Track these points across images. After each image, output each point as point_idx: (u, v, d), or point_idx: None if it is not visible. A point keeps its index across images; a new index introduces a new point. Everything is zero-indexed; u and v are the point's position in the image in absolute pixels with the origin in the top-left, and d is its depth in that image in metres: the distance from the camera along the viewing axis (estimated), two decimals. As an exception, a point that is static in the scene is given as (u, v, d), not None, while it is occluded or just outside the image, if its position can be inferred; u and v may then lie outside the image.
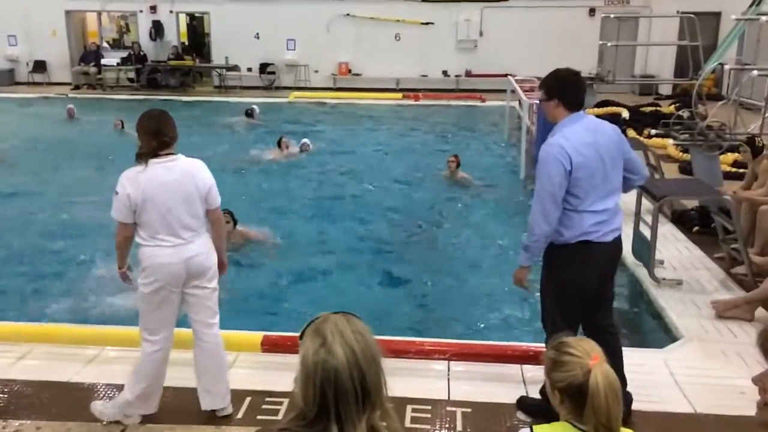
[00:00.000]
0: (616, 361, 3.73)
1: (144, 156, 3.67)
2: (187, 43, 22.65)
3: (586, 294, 3.72)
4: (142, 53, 20.47)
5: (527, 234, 3.66)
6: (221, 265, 3.95)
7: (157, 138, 3.68)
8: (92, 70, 20.23)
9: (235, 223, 6.93)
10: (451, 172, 9.93)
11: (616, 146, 3.65)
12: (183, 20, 22.36)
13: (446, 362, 4.50)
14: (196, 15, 22.84)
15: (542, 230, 3.57)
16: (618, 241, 3.73)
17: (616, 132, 3.74)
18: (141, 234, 3.70)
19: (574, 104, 3.66)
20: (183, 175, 3.69)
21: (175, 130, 3.77)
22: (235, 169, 10.56)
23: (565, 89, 3.66)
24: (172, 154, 3.73)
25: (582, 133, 3.59)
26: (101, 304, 5.90)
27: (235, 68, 19.98)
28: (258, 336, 4.67)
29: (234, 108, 15.97)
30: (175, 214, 3.65)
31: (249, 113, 14.55)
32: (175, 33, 21.20)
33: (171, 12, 20.86)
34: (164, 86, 19.90)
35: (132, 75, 20.36)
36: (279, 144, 11.54)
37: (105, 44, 22.02)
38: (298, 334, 1.68)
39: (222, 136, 13.23)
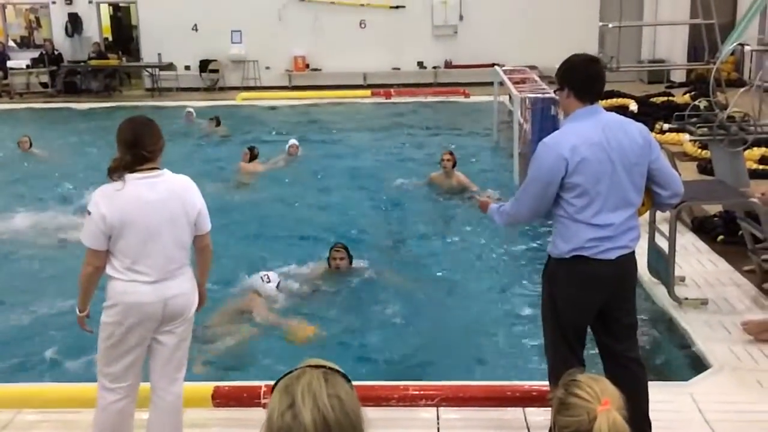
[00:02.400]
0: (640, 399, 3.80)
1: (115, 171, 3.64)
2: (111, 39, 22.52)
3: (588, 316, 3.81)
4: (56, 52, 20.31)
5: (509, 205, 3.96)
6: (200, 299, 3.95)
7: (132, 150, 3.65)
8: (-4, 74, 20.02)
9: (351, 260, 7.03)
10: (446, 173, 9.91)
11: (638, 150, 3.69)
12: (105, 12, 22.24)
13: (435, 409, 4.48)
14: (121, 5, 22.74)
15: (517, 220, 4.07)
16: (626, 260, 3.78)
17: (643, 134, 3.76)
18: (114, 264, 3.65)
19: (587, 95, 3.74)
20: (169, 195, 3.67)
21: (158, 142, 3.74)
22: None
23: (576, 77, 3.76)
24: (156, 168, 3.70)
25: (589, 131, 3.65)
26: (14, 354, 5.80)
27: (170, 67, 19.90)
28: (208, 388, 4.61)
29: (171, 113, 15.90)
30: (158, 241, 3.62)
31: (216, 123, 14.36)
32: (96, 27, 21.08)
33: (90, 2, 20.75)
34: (85, 91, 19.76)
35: (45, 79, 20.18)
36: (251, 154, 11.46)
37: (11, 43, 21.79)
38: (255, 384, 1.68)
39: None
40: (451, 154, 10.05)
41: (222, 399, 4.52)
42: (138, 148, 3.65)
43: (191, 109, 15.20)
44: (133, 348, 3.71)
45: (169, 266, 3.68)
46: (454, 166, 9.95)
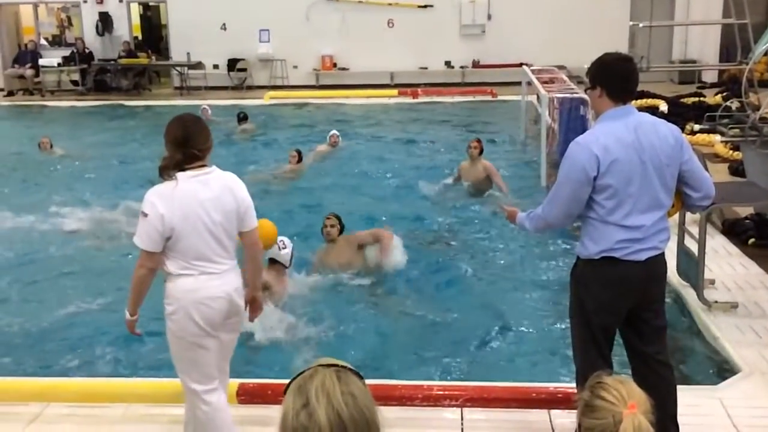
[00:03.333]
0: (668, 403, 3.77)
1: (167, 170, 3.65)
2: (140, 38, 22.76)
3: (616, 318, 3.79)
4: (87, 51, 20.56)
5: (540, 208, 3.88)
6: (255, 304, 3.99)
7: (183, 149, 3.66)
8: (29, 72, 20.31)
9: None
10: (472, 160, 10.01)
11: (669, 151, 3.66)
12: (135, 11, 22.50)
13: (459, 409, 4.48)
14: (151, 4, 22.98)
15: (549, 224, 3.89)
16: (655, 262, 3.75)
17: (674, 135, 3.72)
18: (176, 263, 3.66)
19: (620, 95, 3.71)
20: (222, 191, 3.70)
21: (208, 140, 3.76)
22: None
23: (609, 76, 3.73)
24: (205, 166, 3.73)
25: (621, 131, 3.62)
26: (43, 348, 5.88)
27: (199, 66, 20.08)
28: (233, 385, 4.64)
29: (222, 111, 16.06)
30: (216, 236, 3.66)
31: (242, 117, 14.58)
32: (127, 26, 21.32)
33: (121, 1, 21.00)
34: (115, 89, 20.00)
35: (76, 77, 20.43)
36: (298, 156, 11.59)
37: (43, 41, 22.11)
38: (281, 382, 1.68)
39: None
40: (478, 141, 10.17)
41: (247, 396, 4.56)
42: (188, 147, 3.65)
43: (206, 106, 15.32)
44: (211, 344, 3.73)
45: (227, 261, 3.72)
46: (480, 153, 10.01)
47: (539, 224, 3.93)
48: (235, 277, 3.78)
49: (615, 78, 3.71)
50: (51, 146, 12.81)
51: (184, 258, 3.64)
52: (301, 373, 1.67)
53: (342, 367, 1.69)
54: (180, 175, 3.64)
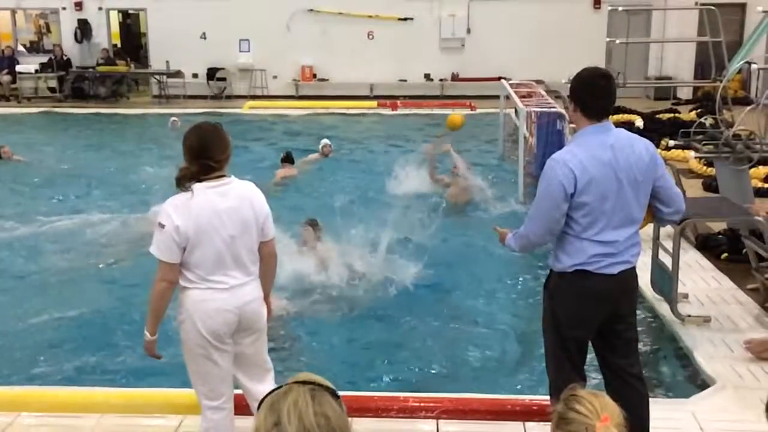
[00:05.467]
0: (641, 416, 3.80)
1: (183, 181, 3.58)
2: (119, 46, 22.61)
3: (588, 330, 3.81)
4: (65, 58, 20.41)
5: (522, 227, 3.90)
6: (267, 309, 3.95)
7: (199, 160, 3.59)
8: (5, 78, 20.11)
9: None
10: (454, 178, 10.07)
11: (644, 168, 3.67)
12: (115, 18, 22.35)
13: (435, 421, 4.47)
14: (131, 12, 22.84)
15: (531, 242, 3.87)
16: (627, 275, 3.77)
17: (650, 152, 3.74)
18: (187, 275, 3.61)
19: (594, 112, 3.70)
20: (240, 201, 3.63)
21: (226, 150, 3.66)
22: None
23: (583, 93, 3.72)
24: (224, 176, 3.66)
25: (598, 149, 3.63)
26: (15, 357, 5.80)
27: (178, 74, 20.00)
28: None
29: (194, 119, 15.98)
30: (232, 249, 3.60)
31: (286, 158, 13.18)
32: (106, 34, 21.19)
33: (100, 9, 20.88)
34: (93, 96, 19.84)
35: (54, 84, 20.26)
36: (285, 160, 11.60)
37: (21, 48, 21.92)
38: None
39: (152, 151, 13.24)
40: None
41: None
42: (204, 158, 3.58)
43: (176, 118, 15.28)
44: (219, 358, 3.69)
45: (243, 273, 3.66)
46: None
47: (523, 242, 3.91)
48: (251, 290, 3.70)
49: (590, 96, 3.70)
50: (11, 155, 12.58)
51: (196, 270, 3.59)
52: (277, 388, 1.65)
53: (318, 385, 1.67)
54: (197, 185, 3.57)
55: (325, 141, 12.72)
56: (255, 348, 3.83)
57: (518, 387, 5.20)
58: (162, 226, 3.54)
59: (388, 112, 18.02)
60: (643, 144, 3.77)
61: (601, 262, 3.67)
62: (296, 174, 11.48)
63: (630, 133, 3.86)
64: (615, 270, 3.69)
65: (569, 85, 3.82)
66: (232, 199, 3.61)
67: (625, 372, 3.87)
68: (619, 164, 3.62)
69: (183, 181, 3.58)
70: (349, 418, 4.39)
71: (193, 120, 14.98)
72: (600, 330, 3.83)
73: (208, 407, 3.76)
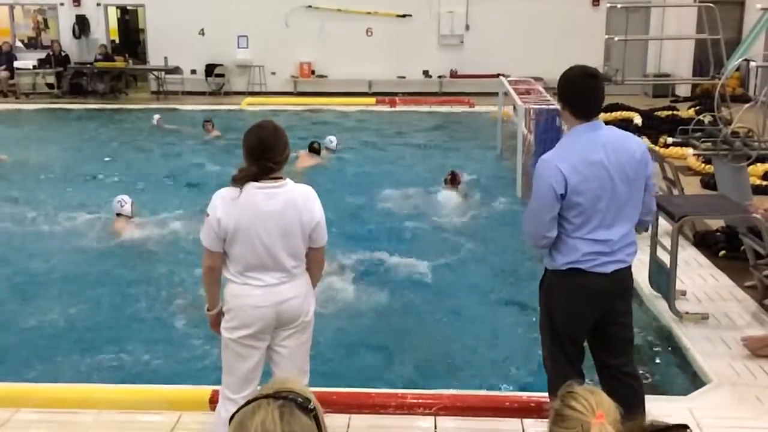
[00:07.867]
0: (636, 413, 3.77)
1: (240, 182, 3.58)
2: (118, 42, 22.59)
3: (583, 329, 3.82)
4: (63, 54, 20.35)
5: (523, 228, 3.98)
6: None
7: (259, 162, 3.59)
8: (3, 74, 20.07)
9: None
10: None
11: (636, 166, 3.67)
12: (113, 14, 22.33)
13: (433, 418, 4.48)
14: (129, 8, 22.83)
15: (529, 242, 3.92)
16: (621, 274, 3.77)
17: (641, 150, 3.74)
18: (229, 268, 3.67)
19: (582, 112, 3.68)
20: (285, 206, 3.60)
21: (284, 151, 3.66)
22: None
23: (571, 93, 3.70)
24: (279, 178, 3.64)
25: (586, 149, 3.62)
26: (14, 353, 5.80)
27: (176, 70, 19.96)
28: (206, 392, 4.61)
29: (177, 117, 15.98)
30: (271, 251, 3.59)
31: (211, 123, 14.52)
32: (104, 29, 21.13)
33: (98, 5, 20.81)
34: (91, 93, 19.80)
35: (52, 80, 20.22)
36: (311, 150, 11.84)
37: (19, 43, 21.87)
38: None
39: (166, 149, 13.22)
40: (453, 174, 10.20)
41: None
42: (264, 159, 3.58)
43: (159, 116, 15.33)
44: (249, 354, 3.70)
45: (279, 274, 3.65)
46: (458, 185, 10.07)
47: (527, 241, 3.97)
48: (290, 288, 3.67)
49: (577, 96, 3.69)
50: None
51: (235, 264, 3.64)
52: (246, 405, 1.62)
53: (289, 399, 1.64)
54: (248, 184, 3.58)
55: (331, 137, 12.76)
56: (294, 343, 3.77)
57: (516, 384, 5.20)
58: (207, 214, 3.64)
59: (386, 108, 18.00)
60: (636, 142, 3.77)
61: (595, 260, 3.67)
62: (320, 162, 11.76)
63: (622, 131, 3.85)
64: (608, 269, 3.69)
65: (558, 84, 3.81)
66: (279, 203, 3.59)
67: (620, 371, 3.88)
68: (611, 163, 3.61)
69: (241, 183, 3.59)
70: (347, 415, 4.41)
71: (193, 118, 15.20)
72: (594, 330, 3.83)
73: (227, 398, 3.77)
